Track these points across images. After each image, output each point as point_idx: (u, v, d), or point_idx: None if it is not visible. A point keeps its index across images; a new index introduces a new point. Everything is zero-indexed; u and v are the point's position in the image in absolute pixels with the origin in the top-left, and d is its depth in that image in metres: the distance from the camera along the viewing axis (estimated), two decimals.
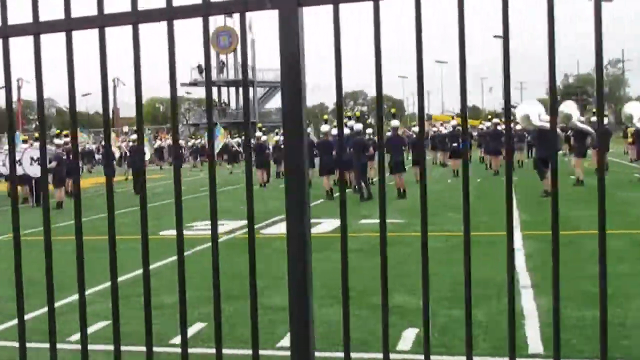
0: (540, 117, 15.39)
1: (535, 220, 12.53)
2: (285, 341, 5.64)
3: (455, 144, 25.46)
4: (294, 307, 2.55)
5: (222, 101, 67.83)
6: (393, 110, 24.40)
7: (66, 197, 19.59)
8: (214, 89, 68.26)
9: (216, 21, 60.40)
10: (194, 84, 65.53)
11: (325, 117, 24.56)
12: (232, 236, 12.25)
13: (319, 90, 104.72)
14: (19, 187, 21.65)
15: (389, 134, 19.81)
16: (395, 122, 20.30)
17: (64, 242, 7.39)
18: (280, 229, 12.46)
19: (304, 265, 2.54)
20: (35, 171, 18.60)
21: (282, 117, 2.62)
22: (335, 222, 13.03)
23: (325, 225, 12.87)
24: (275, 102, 71.62)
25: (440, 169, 28.50)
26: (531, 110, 15.74)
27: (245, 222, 13.24)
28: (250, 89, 67.97)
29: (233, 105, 69.11)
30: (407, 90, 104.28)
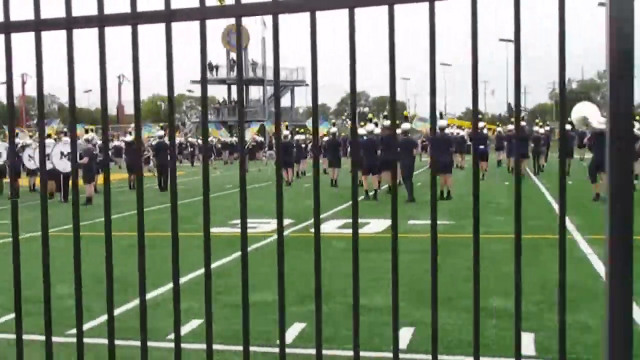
0: (596, 120, 14.68)
1: (590, 224, 12.08)
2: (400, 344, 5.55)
3: (482, 146, 25.00)
4: (614, 321, 2.09)
5: (231, 99, 67.95)
6: (405, 113, 24.25)
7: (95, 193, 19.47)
8: (224, 87, 68.82)
9: (227, 19, 60.63)
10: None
11: (371, 115, 24.50)
12: (287, 234, 12.11)
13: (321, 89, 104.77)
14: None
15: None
16: (442, 122, 20.14)
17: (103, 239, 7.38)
18: (329, 227, 12.46)
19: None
20: (64, 166, 18.58)
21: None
22: (383, 222, 13.00)
23: (372, 226, 12.63)
24: (286, 101, 71.65)
25: (459, 171, 28.03)
26: (587, 111, 14.88)
27: (290, 220, 13.05)
28: (261, 88, 68.09)
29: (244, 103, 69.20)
30: (409, 91, 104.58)
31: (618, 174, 2.04)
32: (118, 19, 2.75)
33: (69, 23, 2.73)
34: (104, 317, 5.36)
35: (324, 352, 2.73)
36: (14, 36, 2.93)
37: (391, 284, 2.63)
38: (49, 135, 21.67)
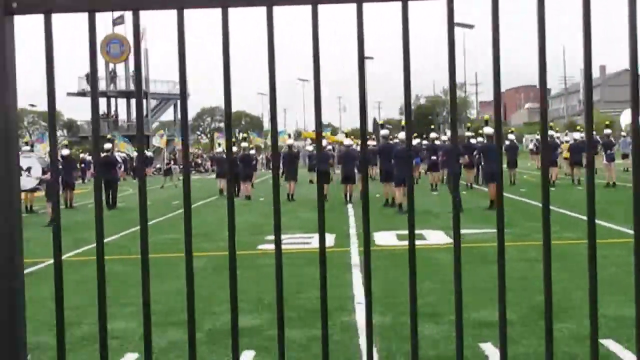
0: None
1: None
2: None
3: (434, 157, 24.44)
4: None
5: (111, 113, 65.44)
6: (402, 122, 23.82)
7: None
8: (103, 100, 66.19)
9: (106, 29, 58.52)
10: (82, 94, 62.78)
11: (382, 122, 23.81)
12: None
13: None
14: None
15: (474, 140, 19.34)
16: (488, 130, 19.87)
17: None
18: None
19: None
20: (24, 182, 18.13)
21: None
22: (433, 233, 12.30)
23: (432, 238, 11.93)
24: (168, 115, 70.15)
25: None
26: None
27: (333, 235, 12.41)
28: (144, 101, 65.99)
29: (124, 117, 66.85)
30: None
31: None
32: None
33: None
34: None
35: None
36: None
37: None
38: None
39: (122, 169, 32.05)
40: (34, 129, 78.80)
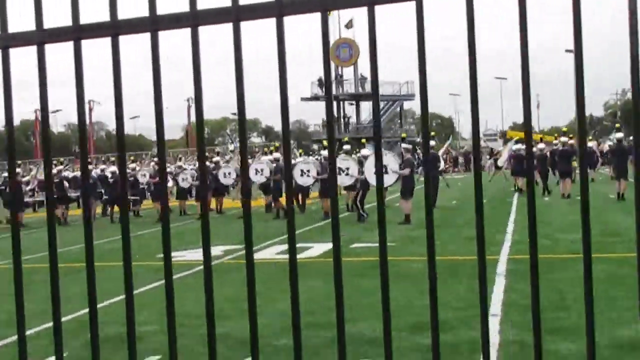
0: None
1: None
2: None
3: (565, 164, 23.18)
4: None
5: (344, 115, 67.96)
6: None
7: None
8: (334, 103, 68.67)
9: (334, 34, 60.78)
10: (316, 98, 65.96)
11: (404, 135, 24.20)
12: (219, 262, 11.99)
13: None
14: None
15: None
16: (563, 140, 22.71)
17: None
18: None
19: None
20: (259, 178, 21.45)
21: None
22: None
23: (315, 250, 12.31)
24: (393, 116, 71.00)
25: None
26: None
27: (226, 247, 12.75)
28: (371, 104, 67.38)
29: (354, 119, 69.08)
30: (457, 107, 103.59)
31: None
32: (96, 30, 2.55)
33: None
34: None
35: None
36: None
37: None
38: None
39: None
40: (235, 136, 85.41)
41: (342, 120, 67.02)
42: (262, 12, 2.21)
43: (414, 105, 71.37)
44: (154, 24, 2.49)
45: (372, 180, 16.57)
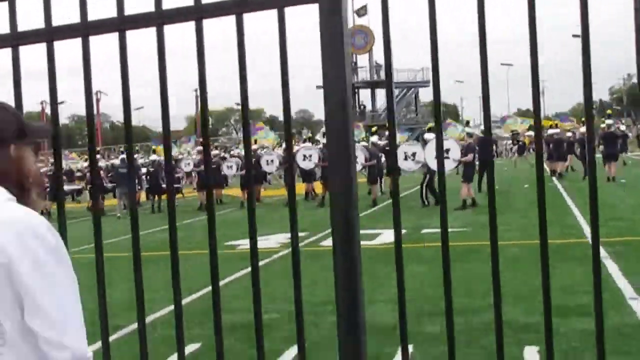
0: None
1: None
2: None
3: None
4: None
5: (359, 103, 67.80)
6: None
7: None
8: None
9: (348, 21, 60.44)
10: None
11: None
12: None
13: None
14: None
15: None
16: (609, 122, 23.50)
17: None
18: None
19: None
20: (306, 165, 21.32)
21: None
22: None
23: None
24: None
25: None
26: None
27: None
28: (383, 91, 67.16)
29: (369, 106, 68.84)
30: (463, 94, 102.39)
31: None
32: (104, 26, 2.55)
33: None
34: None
35: None
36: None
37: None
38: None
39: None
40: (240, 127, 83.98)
41: (357, 107, 66.77)
42: (263, 4, 2.21)
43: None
44: (159, 17, 2.49)
45: (432, 165, 15.83)
